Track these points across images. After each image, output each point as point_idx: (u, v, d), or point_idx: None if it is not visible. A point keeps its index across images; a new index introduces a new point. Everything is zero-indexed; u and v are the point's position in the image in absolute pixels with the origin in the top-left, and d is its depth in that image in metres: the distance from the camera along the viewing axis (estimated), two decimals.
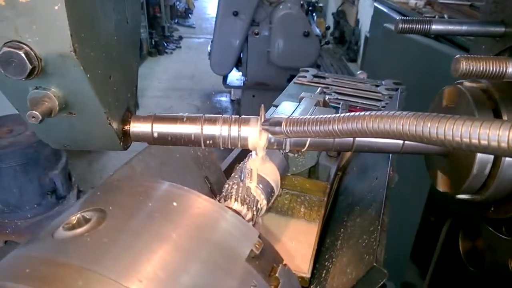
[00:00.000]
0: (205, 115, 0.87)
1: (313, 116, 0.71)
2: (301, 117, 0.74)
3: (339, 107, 1.82)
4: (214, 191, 1.22)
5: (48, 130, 0.79)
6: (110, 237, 0.44)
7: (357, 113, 0.61)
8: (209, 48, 5.12)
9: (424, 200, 1.21)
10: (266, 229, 1.11)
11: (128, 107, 0.87)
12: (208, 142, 0.85)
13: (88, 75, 0.66)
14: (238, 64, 5.24)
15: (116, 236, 0.44)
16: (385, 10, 3.63)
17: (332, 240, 1.04)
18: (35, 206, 3.25)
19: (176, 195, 0.52)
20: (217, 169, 1.28)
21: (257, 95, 5.14)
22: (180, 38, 9.67)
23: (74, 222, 0.48)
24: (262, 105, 0.89)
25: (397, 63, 2.82)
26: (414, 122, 0.50)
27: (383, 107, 1.89)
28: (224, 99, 6.58)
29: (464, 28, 0.89)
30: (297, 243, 1.07)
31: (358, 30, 8.30)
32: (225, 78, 5.40)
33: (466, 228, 0.96)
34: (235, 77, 5.52)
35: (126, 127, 0.85)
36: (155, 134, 0.85)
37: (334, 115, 0.67)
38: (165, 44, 8.81)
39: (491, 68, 0.64)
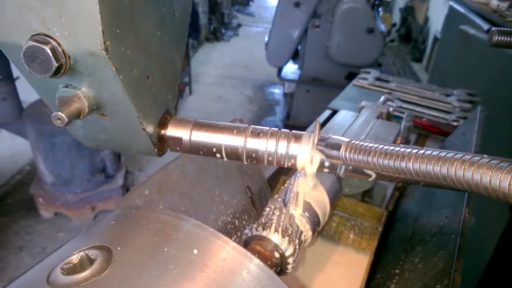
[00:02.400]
0: (252, 126, 0.76)
1: (381, 145, 0.58)
2: (366, 143, 0.61)
3: (402, 117, 1.64)
4: (256, 203, 1.12)
5: (79, 129, 0.73)
6: None
7: (444, 153, 0.47)
8: (266, 38, 5.00)
9: (493, 244, 1.02)
10: (307, 255, 0.99)
11: (167, 109, 0.79)
12: (251, 157, 0.75)
13: (121, 77, 0.58)
14: (294, 56, 5.08)
15: None
16: (461, 10, 3.30)
17: (384, 278, 0.91)
18: (85, 182, 3.36)
19: (199, 240, 0.42)
20: (261, 178, 1.18)
21: (312, 91, 4.95)
22: (239, 25, 9.63)
23: (76, 261, 0.40)
24: (318, 119, 0.76)
25: (471, 71, 2.53)
26: None
27: (454, 121, 1.68)
28: (277, 91, 6.46)
29: None
30: (342, 276, 0.95)
31: (426, 29, 7.78)
32: (280, 70, 5.26)
33: None
34: (290, 70, 5.37)
35: (162, 132, 0.76)
36: (193, 143, 0.76)
37: (410, 148, 0.53)
38: (223, 31, 8.81)
39: None
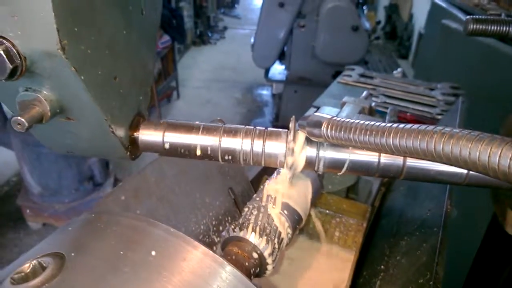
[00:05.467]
0: (225, 125, 0.74)
1: (363, 121, 0.57)
2: (348, 120, 0.60)
3: (386, 113, 1.64)
4: (239, 205, 1.10)
5: (47, 135, 0.70)
6: None
7: (424, 127, 0.46)
8: (252, 40, 4.99)
9: (479, 237, 1.01)
10: (292, 254, 0.98)
11: (139, 111, 0.76)
12: (227, 157, 0.73)
13: (83, 77, 0.56)
14: (281, 57, 5.07)
15: None
16: (443, 5, 3.32)
17: (370, 274, 0.89)
18: (73, 191, 3.31)
19: (158, 241, 0.40)
20: (244, 179, 1.16)
21: (300, 91, 4.95)
22: (225, 28, 9.62)
23: (28, 270, 0.37)
24: (293, 116, 0.75)
25: (455, 65, 2.54)
26: None
27: (438, 114, 1.68)
28: (266, 92, 6.45)
29: None
30: (329, 274, 0.93)
31: (411, 25, 7.84)
32: (267, 71, 5.25)
33: None
34: (278, 70, 5.37)
35: (134, 135, 0.74)
36: (167, 145, 0.73)
37: (391, 124, 0.52)
38: (210, 34, 8.79)
39: None
